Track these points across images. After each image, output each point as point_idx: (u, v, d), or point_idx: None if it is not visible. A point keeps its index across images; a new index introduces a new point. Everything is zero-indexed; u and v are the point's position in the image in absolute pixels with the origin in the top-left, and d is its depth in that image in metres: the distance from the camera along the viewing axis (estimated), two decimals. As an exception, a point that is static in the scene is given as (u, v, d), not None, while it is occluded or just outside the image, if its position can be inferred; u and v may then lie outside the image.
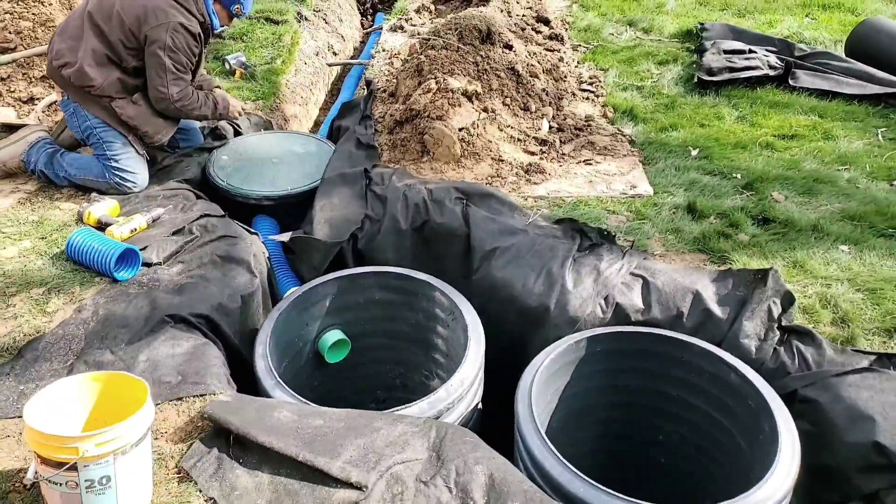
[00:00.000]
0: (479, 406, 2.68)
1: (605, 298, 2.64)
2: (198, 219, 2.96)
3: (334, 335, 2.90)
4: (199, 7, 3.15)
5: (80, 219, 2.92)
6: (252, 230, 3.13)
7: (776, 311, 2.52)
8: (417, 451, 1.96)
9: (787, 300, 2.55)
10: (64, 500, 1.63)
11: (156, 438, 2.00)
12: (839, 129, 4.00)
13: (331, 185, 3.27)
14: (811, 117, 4.14)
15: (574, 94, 4.33)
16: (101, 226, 2.87)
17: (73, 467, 1.58)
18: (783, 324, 2.49)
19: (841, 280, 2.71)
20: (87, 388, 1.80)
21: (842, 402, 2.22)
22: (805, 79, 4.54)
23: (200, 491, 1.83)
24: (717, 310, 2.57)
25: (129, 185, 3.17)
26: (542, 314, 2.68)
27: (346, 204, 3.19)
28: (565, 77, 4.49)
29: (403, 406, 2.29)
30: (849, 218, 3.12)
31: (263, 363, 2.43)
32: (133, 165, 3.18)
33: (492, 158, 3.39)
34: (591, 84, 4.53)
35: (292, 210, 3.43)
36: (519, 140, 3.57)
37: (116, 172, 3.14)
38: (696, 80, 4.51)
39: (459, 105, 3.41)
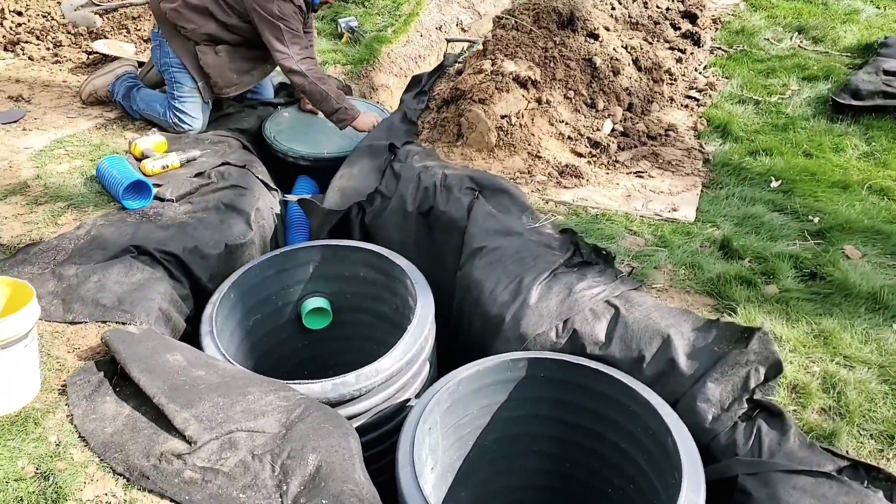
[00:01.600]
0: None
1: (565, 322, 2.38)
2: (219, 165, 3.13)
3: (314, 302, 2.93)
4: None
5: (129, 148, 3.24)
6: (273, 186, 3.26)
7: (754, 379, 2.10)
8: (270, 425, 1.93)
9: (774, 370, 2.11)
10: (-62, 382, 1.84)
11: (69, 351, 2.19)
12: None
13: (357, 155, 3.28)
14: (965, 165, 3.32)
15: (672, 98, 3.88)
16: (142, 157, 3.16)
17: (-60, 354, 1.78)
18: (756, 396, 2.07)
19: (870, 364, 2.18)
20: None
21: (778, 506, 1.81)
22: (984, 118, 3.65)
23: (68, 406, 1.98)
24: (683, 362, 2.20)
25: (185, 126, 3.44)
26: (498, 325, 2.48)
27: (365, 175, 3.18)
28: (673, 79, 4.05)
29: (308, 381, 2.27)
30: (931, 294, 2.48)
31: (210, 309, 2.52)
32: (193, 110, 3.44)
33: (528, 153, 3.17)
34: (701, 91, 4.03)
35: (332, 173, 3.50)
36: (570, 138, 3.29)
37: (176, 112, 3.41)
38: (829, 101, 3.82)
39: (508, 91, 3.22)
